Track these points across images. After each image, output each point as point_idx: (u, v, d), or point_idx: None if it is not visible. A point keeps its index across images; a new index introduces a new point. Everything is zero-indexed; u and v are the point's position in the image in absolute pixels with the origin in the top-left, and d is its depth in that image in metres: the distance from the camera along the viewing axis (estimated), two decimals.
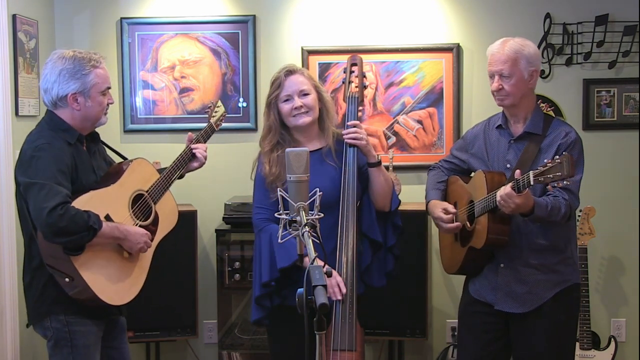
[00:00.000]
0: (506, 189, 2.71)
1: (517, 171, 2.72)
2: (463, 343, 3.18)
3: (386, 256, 2.99)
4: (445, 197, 3.19)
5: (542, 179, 2.60)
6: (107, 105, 2.87)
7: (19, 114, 3.79)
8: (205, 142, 3.18)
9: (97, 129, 2.94)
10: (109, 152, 3.07)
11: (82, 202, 2.64)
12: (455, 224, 3.02)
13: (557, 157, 2.60)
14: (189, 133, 3.16)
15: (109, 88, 2.86)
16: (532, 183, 2.63)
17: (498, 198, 2.73)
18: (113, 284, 2.74)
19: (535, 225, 2.89)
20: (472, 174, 3.14)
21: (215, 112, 3.28)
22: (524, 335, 2.96)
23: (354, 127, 2.90)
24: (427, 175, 3.29)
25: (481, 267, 3.03)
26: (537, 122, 2.94)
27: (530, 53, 2.90)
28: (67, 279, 2.64)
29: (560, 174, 2.56)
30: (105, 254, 2.72)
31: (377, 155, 2.95)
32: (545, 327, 2.92)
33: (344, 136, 2.90)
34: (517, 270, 2.94)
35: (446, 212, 3.04)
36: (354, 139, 2.88)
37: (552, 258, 2.93)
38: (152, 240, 2.89)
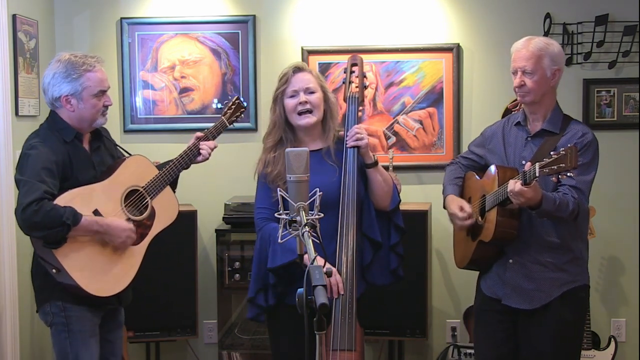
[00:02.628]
0: (515, 180, 2.74)
1: (528, 164, 2.75)
2: (477, 343, 3.20)
3: (389, 255, 2.99)
4: (461, 193, 3.21)
5: (547, 170, 2.62)
6: (105, 107, 2.94)
7: (19, 114, 3.79)
8: (214, 138, 3.19)
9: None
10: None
11: (69, 198, 2.76)
12: (468, 221, 3.04)
13: (562, 149, 2.61)
14: (197, 133, 3.16)
15: (104, 91, 2.92)
16: (537, 174, 2.65)
17: (508, 189, 2.75)
18: (98, 275, 2.82)
19: (547, 222, 2.90)
20: None
21: (231, 108, 3.25)
22: (530, 332, 2.97)
23: (356, 131, 2.90)
24: (445, 171, 3.31)
25: (491, 263, 3.04)
26: (555, 121, 2.97)
27: (554, 52, 2.95)
28: (54, 270, 2.76)
29: (564, 164, 2.59)
30: (89, 247, 2.81)
31: (374, 155, 2.96)
32: (552, 326, 2.93)
33: (347, 143, 2.90)
34: (526, 266, 2.95)
35: (462, 209, 3.06)
36: (356, 140, 2.89)
37: (561, 257, 2.94)
38: (141, 234, 2.94)
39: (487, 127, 3.24)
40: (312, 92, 2.90)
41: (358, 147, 2.89)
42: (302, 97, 2.88)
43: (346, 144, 2.90)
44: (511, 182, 2.76)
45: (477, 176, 3.15)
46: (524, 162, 2.95)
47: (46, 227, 2.67)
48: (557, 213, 2.82)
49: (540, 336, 2.94)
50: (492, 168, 3.00)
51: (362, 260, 2.92)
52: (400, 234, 3.00)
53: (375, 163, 2.93)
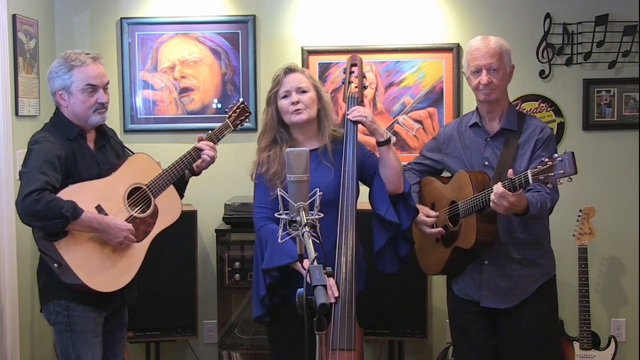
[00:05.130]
0: (499, 188, 2.71)
1: (510, 170, 2.73)
2: (457, 346, 3.19)
3: (399, 242, 2.98)
4: (420, 199, 3.19)
5: (543, 177, 2.60)
6: (99, 104, 2.93)
7: (19, 114, 3.79)
8: (218, 140, 3.19)
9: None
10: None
11: (71, 192, 2.78)
12: (438, 229, 3.05)
13: (557, 155, 2.60)
14: (200, 136, 3.17)
15: (93, 85, 2.91)
16: (531, 182, 2.63)
17: (492, 197, 2.73)
18: (99, 271, 2.83)
19: (518, 220, 2.91)
20: (445, 174, 3.15)
21: (235, 112, 3.26)
22: (511, 330, 2.98)
23: (357, 108, 2.90)
24: None
25: (464, 267, 3.05)
26: (512, 119, 2.98)
27: (509, 49, 2.98)
28: (55, 265, 2.77)
29: (562, 171, 2.57)
30: (91, 242, 2.82)
31: (387, 132, 2.93)
32: (532, 322, 2.95)
33: (348, 116, 2.90)
34: (502, 266, 2.96)
35: (428, 217, 3.06)
36: (357, 116, 2.88)
37: (534, 252, 2.97)
38: (143, 231, 2.96)
39: (439, 130, 3.24)
40: (304, 92, 2.91)
41: (363, 124, 2.88)
42: (294, 96, 2.90)
43: (348, 120, 2.89)
44: (494, 189, 2.72)
45: (439, 181, 3.13)
46: (486, 163, 2.95)
47: (45, 217, 2.69)
48: (540, 214, 2.84)
49: (522, 333, 2.96)
50: (462, 173, 2.98)
51: (373, 247, 2.92)
52: (412, 217, 2.99)
53: (388, 140, 2.91)
